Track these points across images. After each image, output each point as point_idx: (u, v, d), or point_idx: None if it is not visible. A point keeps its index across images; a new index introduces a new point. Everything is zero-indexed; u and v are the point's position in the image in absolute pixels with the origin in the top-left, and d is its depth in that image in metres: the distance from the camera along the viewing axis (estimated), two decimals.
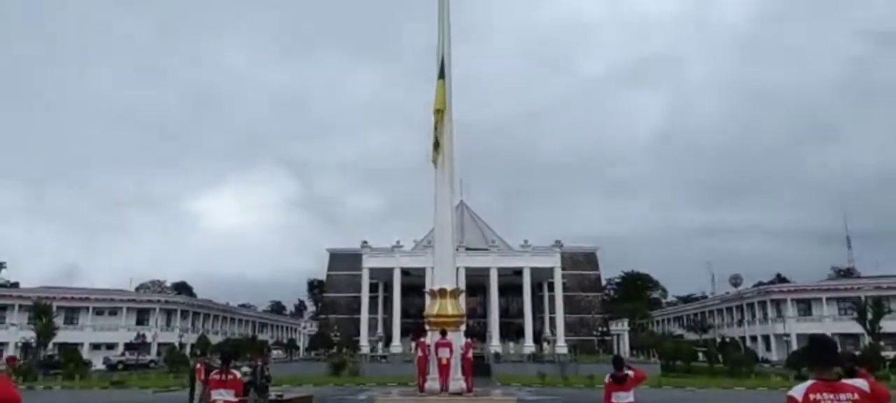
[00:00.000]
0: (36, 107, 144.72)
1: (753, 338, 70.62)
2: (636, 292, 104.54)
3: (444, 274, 17.90)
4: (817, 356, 3.69)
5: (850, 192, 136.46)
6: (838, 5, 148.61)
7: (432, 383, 16.80)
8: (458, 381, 16.97)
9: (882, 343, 47.04)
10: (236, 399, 8.92)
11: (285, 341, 76.98)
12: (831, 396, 3.45)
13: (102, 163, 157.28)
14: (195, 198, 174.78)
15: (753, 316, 73.28)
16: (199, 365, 17.26)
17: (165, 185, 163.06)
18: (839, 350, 4.03)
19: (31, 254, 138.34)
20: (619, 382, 8.48)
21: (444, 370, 16.72)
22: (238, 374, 9.16)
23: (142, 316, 69.21)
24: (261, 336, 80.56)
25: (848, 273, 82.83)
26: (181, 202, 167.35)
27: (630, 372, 8.58)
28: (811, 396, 3.49)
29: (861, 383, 3.55)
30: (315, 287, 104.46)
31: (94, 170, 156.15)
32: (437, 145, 18.40)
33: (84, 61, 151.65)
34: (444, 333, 16.84)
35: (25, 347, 53.94)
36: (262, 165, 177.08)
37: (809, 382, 3.57)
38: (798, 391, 3.57)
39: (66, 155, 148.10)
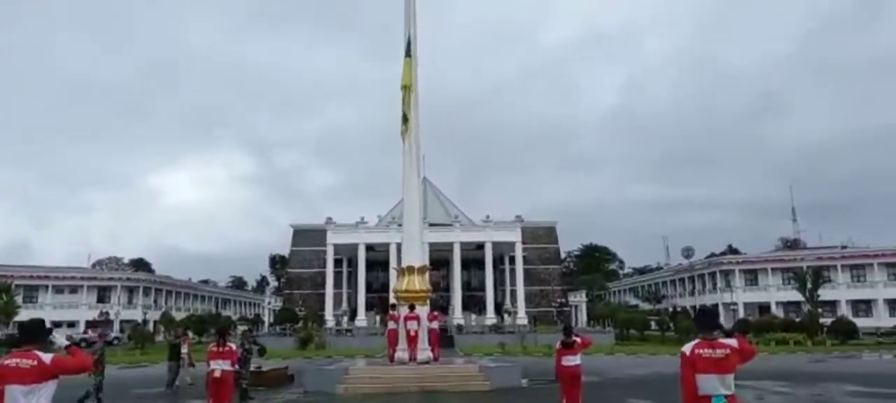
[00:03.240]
0: None
1: (704, 308, 74.01)
2: (594, 264, 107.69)
3: (411, 251, 19.08)
4: (702, 321, 4.99)
5: (798, 165, 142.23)
6: None
7: (401, 353, 18.07)
8: (425, 351, 18.30)
9: (820, 310, 50.13)
10: (232, 368, 10.00)
11: (251, 316, 77.27)
12: (710, 351, 4.74)
13: (55, 136, 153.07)
14: (151, 174, 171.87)
15: (704, 286, 76.68)
16: (183, 339, 18.08)
17: (121, 161, 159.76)
18: (721, 318, 5.34)
19: None
20: (568, 347, 9.83)
21: (412, 341, 18.02)
22: (233, 346, 10.22)
23: (103, 294, 68.79)
24: (224, 312, 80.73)
25: (794, 244, 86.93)
26: (137, 178, 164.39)
27: (577, 339, 9.94)
28: (696, 351, 4.78)
29: (732, 341, 4.85)
30: (277, 262, 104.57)
31: (45, 143, 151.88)
32: (405, 119, 19.44)
33: (39, 28, 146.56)
34: (412, 307, 18.08)
35: None
36: (221, 141, 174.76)
37: (695, 341, 4.85)
38: (687, 347, 4.86)
39: (15, 127, 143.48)
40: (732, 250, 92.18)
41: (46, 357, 4.63)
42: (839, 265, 66.28)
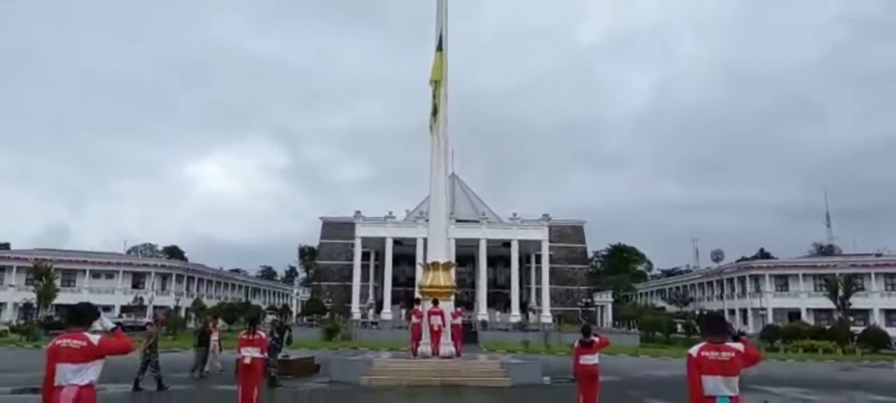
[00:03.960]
0: (29, 74, 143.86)
1: (732, 312, 73.03)
2: (622, 264, 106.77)
3: (437, 247, 19.37)
4: (710, 326, 5.19)
5: (833, 170, 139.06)
6: None
7: (425, 347, 18.39)
8: (448, 346, 18.59)
9: (852, 318, 49.23)
10: (262, 356, 10.44)
11: (279, 306, 78.54)
12: (716, 353, 4.94)
13: (93, 128, 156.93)
14: (186, 164, 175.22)
15: (733, 290, 75.67)
16: (212, 326, 18.67)
17: (156, 152, 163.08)
18: (725, 321, 5.54)
19: (20, 217, 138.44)
20: (587, 346, 10.04)
21: (435, 336, 18.33)
22: (263, 334, 10.65)
23: (137, 280, 70.52)
24: (254, 301, 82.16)
25: (829, 250, 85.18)
26: (172, 168, 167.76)
27: (595, 339, 10.14)
28: (703, 353, 4.98)
29: (738, 345, 5.03)
30: (306, 253, 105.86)
31: (84, 135, 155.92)
32: (435, 111, 19.63)
33: (76, 27, 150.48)
34: (436, 302, 18.38)
35: (26, 308, 55.18)
36: (254, 133, 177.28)
37: (702, 343, 5.05)
38: (694, 349, 5.07)
39: (47, 119, 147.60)
40: (764, 254, 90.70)
41: (94, 339, 5.03)
42: (873, 273, 64.81)
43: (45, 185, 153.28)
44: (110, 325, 5.53)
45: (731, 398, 4.84)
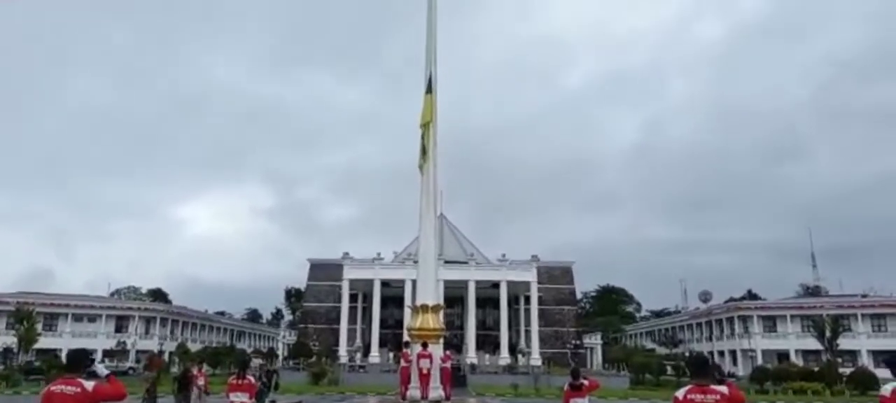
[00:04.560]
0: (12, 110, 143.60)
1: (721, 353, 72.98)
2: (611, 306, 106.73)
3: (426, 290, 19.38)
4: (696, 368, 5.31)
5: (819, 209, 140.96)
6: (804, 31, 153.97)
7: (414, 391, 18.26)
8: (437, 390, 18.47)
9: (840, 359, 49.32)
10: (249, 401, 10.38)
11: (265, 349, 77.50)
12: (701, 396, 5.05)
13: (76, 167, 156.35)
14: (171, 206, 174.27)
15: (722, 331, 75.67)
16: (196, 371, 18.51)
17: (142, 192, 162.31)
18: (710, 364, 5.66)
19: (3, 258, 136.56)
20: (576, 389, 10.08)
21: (424, 379, 18.22)
22: (252, 379, 10.62)
23: (121, 323, 69.42)
24: (239, 345, 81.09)
25: (815, 290, 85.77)
26: (157, 209, 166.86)
27: (585, 381, 10.19)
28: (689, 396, 5.10)
29: (723, 388, 5.15)
30: (292, 295, 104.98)
31: (66, 174, 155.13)
32: (423, 151, 19.74)
33: (63, 64, 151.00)
34: (425, 345, 18.33)
35: (6, 352, 54.06)
36: (241, 174, 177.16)
37: (688, 386, 5.17)
38: (680, 392, 5.18)
39: (38, 158, 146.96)
40: (752, 295, 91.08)
41: (89, 385, 5.06)
42: (860, 313, 65.21)
43: (30, 226, 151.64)
44: (105, 372, 5.56)
45: None
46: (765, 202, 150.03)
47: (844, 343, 52.15)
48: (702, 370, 5.30)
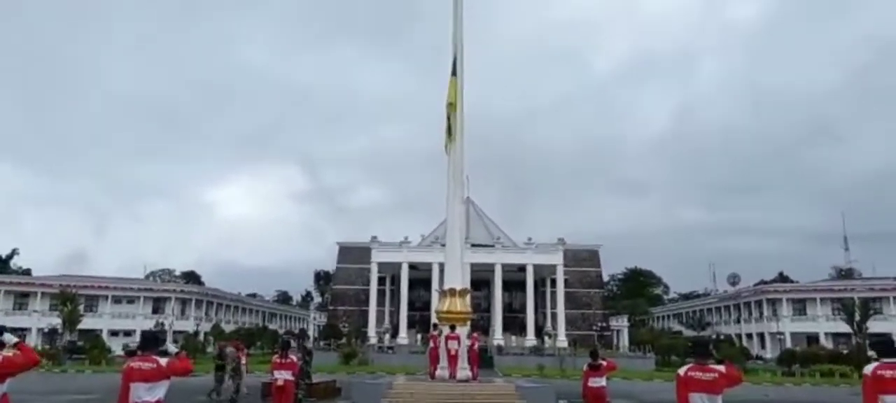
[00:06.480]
0: (49, 94, 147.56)
1: (749, 336, 72.71)
2: (638, 288, 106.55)
3: (453, 273, 20.04)
4: (696, 349, 5.91)
5: (853, 193, 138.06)
6: (843, 10, 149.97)
7: (442, 371, 19.02)
8: (464, 370, 19.21)
9: (868, 342, 48.96)
10: (293, 378, 11.22)
11: (296, 330, 79.38)
12: (701, 374, 5.66)
13: (111, 151, 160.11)
14: (203, 188, 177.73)
15: (750, 314, 75.35)
16: (238, 352, 19.53)
17: (174, 175, 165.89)
18: (711, 346, 6.27)
19: (39, 240, 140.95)
20: (595, 369, 10.72)
21: (452, 360, 18.96)
22: (295, 357, 11.45)
23: (157, 305, 71.81)
24: (270, 326, 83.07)
25: (848, 273, 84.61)
26: (189, 191, 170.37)
27: (603, 362, 10.82)
28: (689, 373, 5.71)
29: (721, 367, 5.75)
30: (321, 278, 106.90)
31: (101, 157, 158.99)
32: (449, 131, 20.13)
33: (98, 49, 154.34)
34: (452, 328, 19.04)
35: (51, 333, 56.44)
36: (274, 157, 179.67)
37: (689, 364, 5.78)
38: (682, 369, 5.81)
39: (74, 142, 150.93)
40: (783, 278, 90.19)
41: (163, 361, 5.85)
42: (892, 297, 64.45)
43: (68, 208, 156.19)
44: (174, 349, 6.35)
45: None
46: (799, 186, 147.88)
47: (875, 326, 51.64)
48: (702, 351, 5.90)
